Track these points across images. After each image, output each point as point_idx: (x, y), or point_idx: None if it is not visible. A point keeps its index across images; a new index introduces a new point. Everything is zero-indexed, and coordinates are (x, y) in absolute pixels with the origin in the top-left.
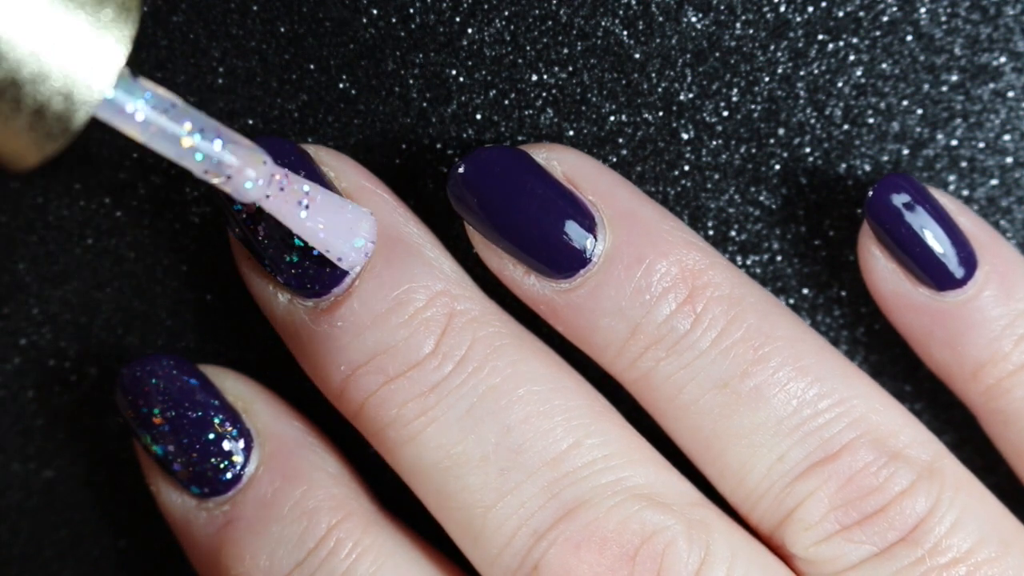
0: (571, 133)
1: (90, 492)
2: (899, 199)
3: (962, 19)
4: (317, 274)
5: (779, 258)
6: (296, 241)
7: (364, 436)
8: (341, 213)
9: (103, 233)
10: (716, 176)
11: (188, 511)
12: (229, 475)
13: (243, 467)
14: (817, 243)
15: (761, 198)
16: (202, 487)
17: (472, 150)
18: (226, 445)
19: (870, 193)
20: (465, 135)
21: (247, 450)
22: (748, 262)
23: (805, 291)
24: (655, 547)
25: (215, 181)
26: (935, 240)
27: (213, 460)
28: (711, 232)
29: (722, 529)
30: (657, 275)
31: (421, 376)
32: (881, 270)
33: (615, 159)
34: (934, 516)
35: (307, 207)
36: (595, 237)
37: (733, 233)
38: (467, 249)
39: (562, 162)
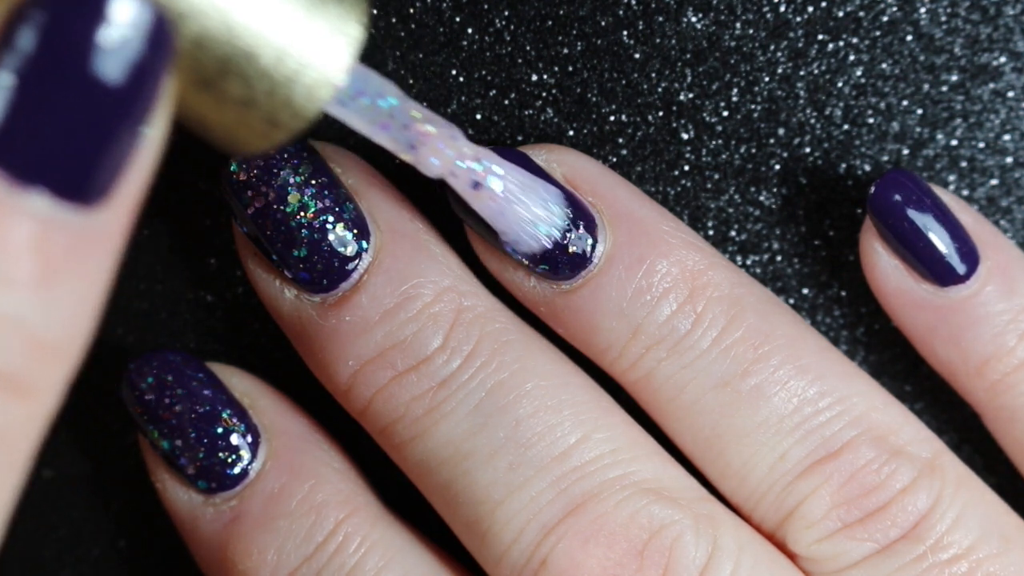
0: (571, 133)
1: (90, 492)
2: (901, 195)
3: (962, 19)
4: (325, 269)
5: (779, 258)
6: (304, 234)
7: (370, 433)
8: (529, 196)
9: None
10: (716, 176)
11: (194, 507)
12: (236, 470)
13: (250, 462)
14: (817, 243)
15: (761, 198)
16: (209, 482)
17: None
18: (234, 439)
19: (872, 189)
20: (465, 135)
21: (254, 445)
22: (748, 262)
23: (805, 291)
24: (663, 541)
25: (406, 157)
26: (937, 235)
27: (221, 455)
28: (711, 232)
29: (729, 524)
30: (658, 276)
31: (430, 371)
32: (884, 266)
33: (615, 159)
34: (935, 513)
35: (492, 187)
36: (595, 238)
37: (733, 233)
38: (468, 249)
39: (562, 163)
